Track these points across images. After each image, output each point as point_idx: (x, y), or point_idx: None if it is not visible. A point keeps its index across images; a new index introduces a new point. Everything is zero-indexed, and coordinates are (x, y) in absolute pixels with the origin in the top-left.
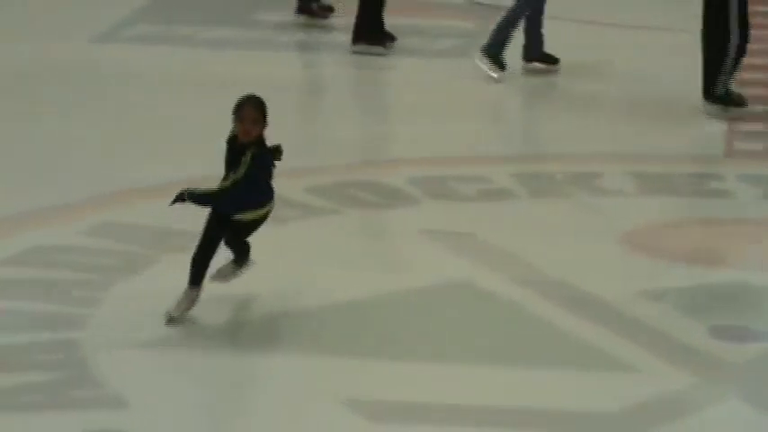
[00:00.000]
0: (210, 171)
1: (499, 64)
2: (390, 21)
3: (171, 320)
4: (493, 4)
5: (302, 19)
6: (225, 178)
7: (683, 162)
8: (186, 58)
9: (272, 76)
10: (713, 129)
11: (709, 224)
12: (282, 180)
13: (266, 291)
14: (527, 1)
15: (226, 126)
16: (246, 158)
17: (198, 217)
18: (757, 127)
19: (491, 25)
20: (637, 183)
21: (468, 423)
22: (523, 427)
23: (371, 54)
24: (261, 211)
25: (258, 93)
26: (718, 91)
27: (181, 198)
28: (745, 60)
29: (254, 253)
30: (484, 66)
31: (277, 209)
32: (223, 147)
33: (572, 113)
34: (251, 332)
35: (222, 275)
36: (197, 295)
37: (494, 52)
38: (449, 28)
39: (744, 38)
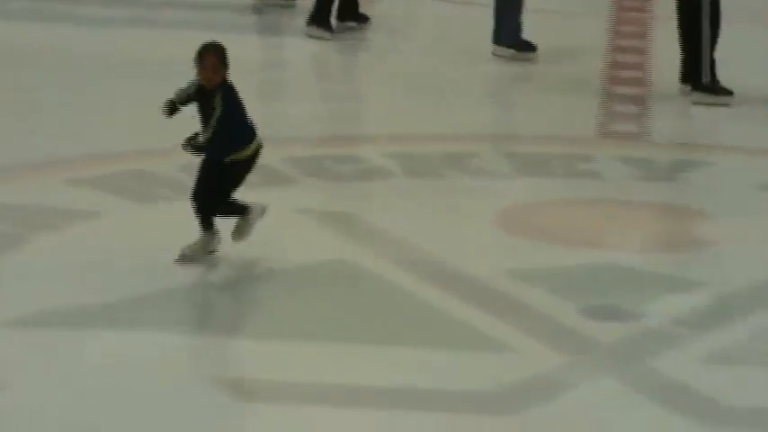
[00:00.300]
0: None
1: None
2: None
3: (182, 258)
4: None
5: None
6: (204, 128)
7: (557, 143)
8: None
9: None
10: (586, 110)
11: (580, 205)
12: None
13: (130, 270)
14: None
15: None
16: (218, 99)
17: (68, 196)
18: (630, 109)
19: None
20: (511, 163)
21: (338, 403)
22: (396, 406)
23: (318, 38)
24: (250, 148)
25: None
26: (704, 79)
27: (186, 147)
28: (619, 42)
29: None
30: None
31: (149, 188)
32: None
33: (446, 95)
34: (116, 311)
35: (240, 233)
36: (211, 238)
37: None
38: None
39: (715, 29)
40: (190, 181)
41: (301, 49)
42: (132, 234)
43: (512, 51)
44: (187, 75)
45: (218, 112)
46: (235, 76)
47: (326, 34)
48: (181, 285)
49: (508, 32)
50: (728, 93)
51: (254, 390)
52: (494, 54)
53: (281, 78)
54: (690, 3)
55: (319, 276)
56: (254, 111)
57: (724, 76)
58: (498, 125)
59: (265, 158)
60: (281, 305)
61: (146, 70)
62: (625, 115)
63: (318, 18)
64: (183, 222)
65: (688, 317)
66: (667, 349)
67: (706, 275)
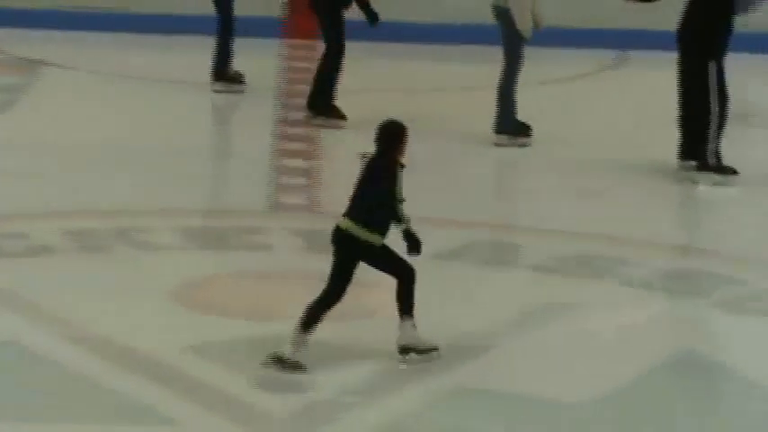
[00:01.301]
0: None
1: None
2: None
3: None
4: None
5: (218, 86)
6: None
7: (228, 216)
8: None
9: None
10: (257, 182)
11: (252, 277)
12: None
13: None
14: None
15: None
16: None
17: None
18: (300, 181)
19: None
20: (182, 237)
21: None
22: None
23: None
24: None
25: None
26: (711, 161)
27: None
28: (287, 115)
29: None
30: (511, 143)
31: None
32: None
33: (114, 170)
34: None
35: None
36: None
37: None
38: None
39: (723, 107)
40: None
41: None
42: None
43: None
44: None
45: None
46: None
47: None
48: None
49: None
50: (734, 172)
51: None
52: None
53: None
54: (695, 81)
55: None
56: None
57: None
58: (169, 198)
59: None
60: None
61: None
62: (294, 187)
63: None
64: None
65: (358, 386)
66: (340, 418)
67: (378, 344)
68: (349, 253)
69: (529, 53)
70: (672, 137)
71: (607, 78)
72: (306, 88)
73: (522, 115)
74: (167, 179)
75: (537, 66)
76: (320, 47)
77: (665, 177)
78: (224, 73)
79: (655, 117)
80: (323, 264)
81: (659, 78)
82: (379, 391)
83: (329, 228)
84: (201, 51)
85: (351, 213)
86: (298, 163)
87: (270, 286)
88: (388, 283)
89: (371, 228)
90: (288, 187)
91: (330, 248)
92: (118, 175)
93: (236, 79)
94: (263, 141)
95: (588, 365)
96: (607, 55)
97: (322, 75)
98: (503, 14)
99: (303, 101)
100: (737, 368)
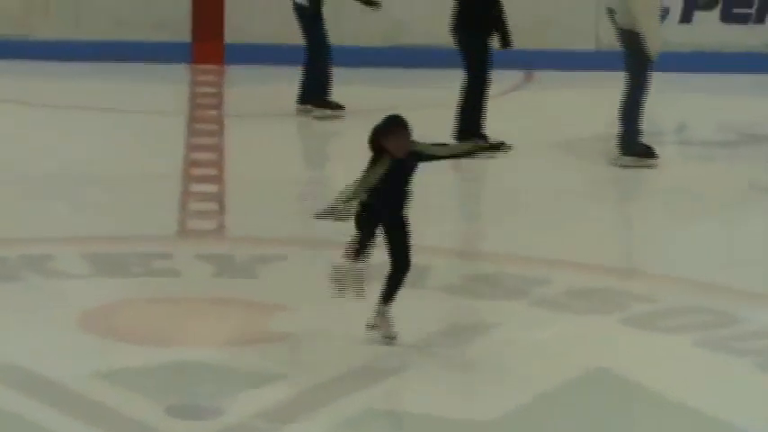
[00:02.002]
0: None
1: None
2: None
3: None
4: None
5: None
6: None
7: (137, 242)
8: None
9: None
10: (164, 207)
11: (160, 303)
12: None
13: None
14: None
15: None
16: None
17: None
18: (210, 206)
19: None
20: (89, 264)
21: None
22: None
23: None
24: None
25: None
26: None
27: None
28: (194, 140)
29: None
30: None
31: None
32: None
33: (23, 196)
34: None
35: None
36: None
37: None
38: None
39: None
40: None
41: None
42: None
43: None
44: None
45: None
46: None
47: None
48: None
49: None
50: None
51: None
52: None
53: None
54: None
55: None
56: None
57: None
58: (76, 225)
59: None
60: None
61: None
62: (202, 212)
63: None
64: None
65: (269, 411)
66: None
67: (286, 368)
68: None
69: (432, 75)
70: (584, 154)
71: (513, 98)
72: (214, 113)
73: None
74: (74, 205)
75: (440, 87)
76: (225, 72)
77: (578, 196)
78: (325, 100)
79: (560, 136)
80: (232, 289)
81: (566, 97)
82: (290, 415)
83: (239, 254)
84: (99, 77)
85: None
86: (208, 188)
87: (178, 312)
88: (294, 305)
89: None
90: (196, 212)
91: (239, 274)
92: (24, 202)
93: (336, 105)
94: (176, 166)
95: (499, 384)
96: (514, 75)
97: (466, 106)
98: (629, 36)
99: (211, 126)
100: (647, 385)
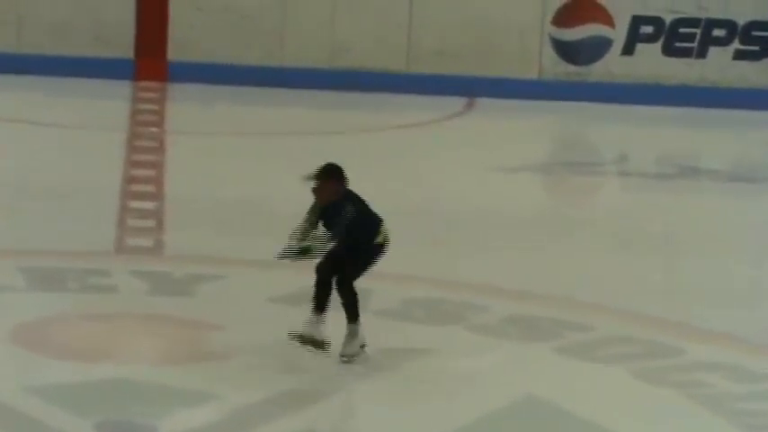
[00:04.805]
0: None
1: None
2: None
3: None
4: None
5: None
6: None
7: (74, 257)
8: None
9: None
10: (102, 224)
11: (94, 319)
12: None
13: None
14: None
15: None
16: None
17: None
18: (148, 223)
19: None
20: (25, 278)
21: None
22: None
23: None
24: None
25: None
26: None
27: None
28: (134, 157)
29: None
30: None
31: None
32: None
33: None
34: None
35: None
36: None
37: None
38: None
39: None
40: None
41: None
42: None
43: None
44: None
45: (351, 214)
46: None
47: None
48: None
49: None
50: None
51: None
52: None
53: None
54: None
55: None
56: None
57: None
58: (12, 238)
59: None
60: None
61: None
62: (140, 229)
63: None
64: None
65: (201, 430)
66: None
67: (220, 387)
68: None
69: (370, 99)
70: (523, 182)
71: (455, 124)
72: (154, 130)
73: (355, 161)
74: (12, 219)
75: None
76: (167, 89)
77: (516, 223)
78: None
79: (500, 163)
80: (168, 307)
81: (507, 125)
82: None
83: (176, 271)
84: (40, 92)
85: None
86: (147, 204)
87: (112, 328)
88: (229, 325)
89: None
90: (133, 229)
91: (175, 292)
92: None
93: None
94: (115, 182)
95: (431, 409)
96: (456, 101)
97: None
98: None
99: (152, 143)
100: (576, 414)
